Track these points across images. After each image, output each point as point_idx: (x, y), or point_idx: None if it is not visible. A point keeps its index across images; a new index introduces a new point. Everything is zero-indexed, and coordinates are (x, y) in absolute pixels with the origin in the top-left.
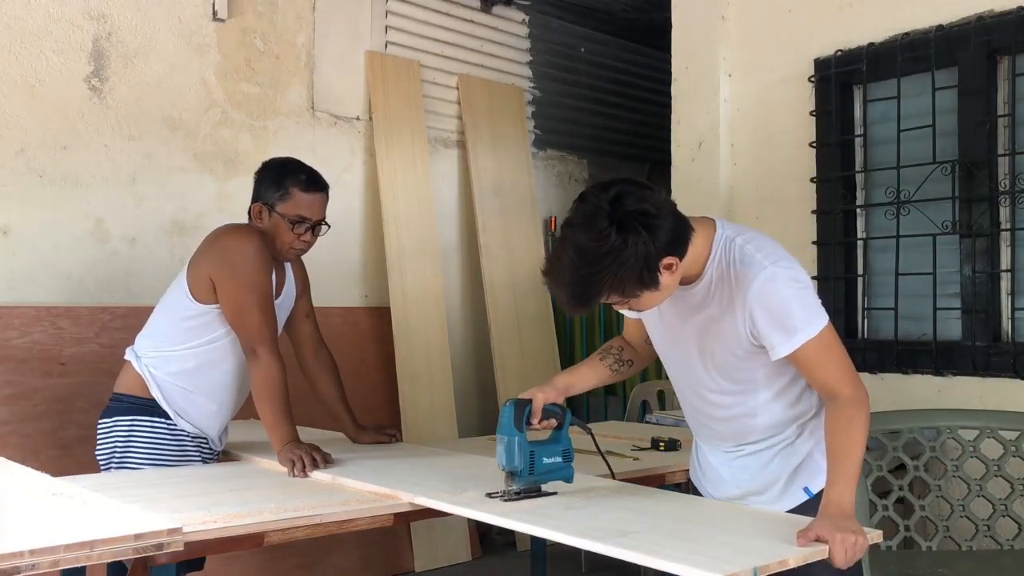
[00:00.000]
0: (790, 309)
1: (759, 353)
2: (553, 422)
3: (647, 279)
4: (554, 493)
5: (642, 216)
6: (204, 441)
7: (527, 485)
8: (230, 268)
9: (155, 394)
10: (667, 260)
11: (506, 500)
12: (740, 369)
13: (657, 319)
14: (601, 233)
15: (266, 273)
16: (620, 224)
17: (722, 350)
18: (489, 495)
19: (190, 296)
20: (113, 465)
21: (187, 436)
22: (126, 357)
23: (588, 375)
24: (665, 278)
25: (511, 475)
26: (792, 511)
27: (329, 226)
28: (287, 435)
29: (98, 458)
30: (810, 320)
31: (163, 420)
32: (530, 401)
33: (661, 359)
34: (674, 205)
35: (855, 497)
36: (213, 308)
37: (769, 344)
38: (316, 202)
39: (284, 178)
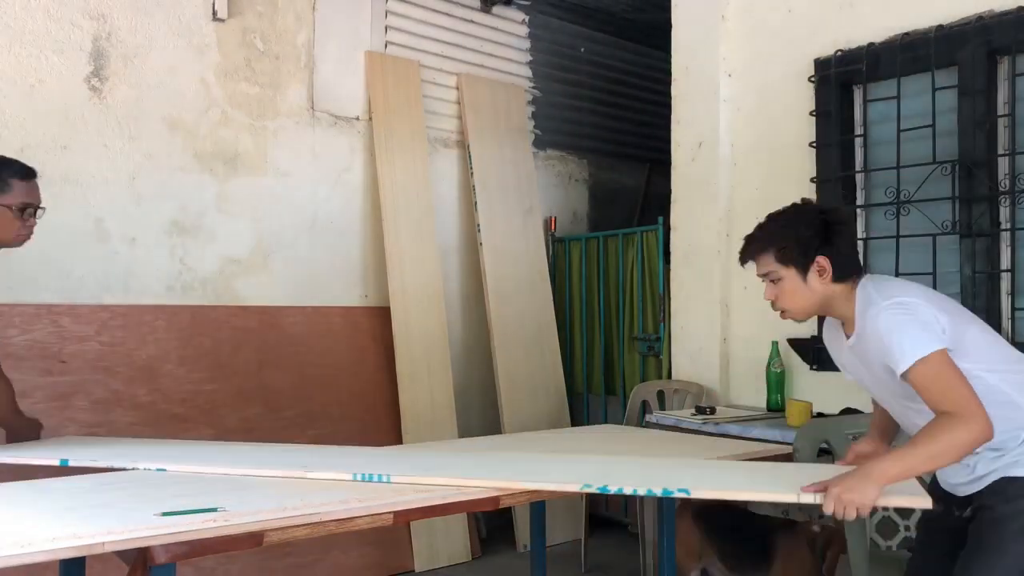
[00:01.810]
0: (891, 341)
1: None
2: None
3: (798, 256)
4: None
5: (832, 214)
6: None
7: None
8: None
9: None
10: (820, 259)
11: None
12: (900, 387)
13: (856, 367)
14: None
15: None
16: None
17: (881, 372)
18: None
19: None
20: None
21: None
22: None
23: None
24: (812, 276)
25: None
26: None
27: (44, 209)
28: None
29: None
30: (912, 350)
31: None
32: None
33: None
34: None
35: (895, 476)
36: None
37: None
38: (35, 188)
39: (0, 172)
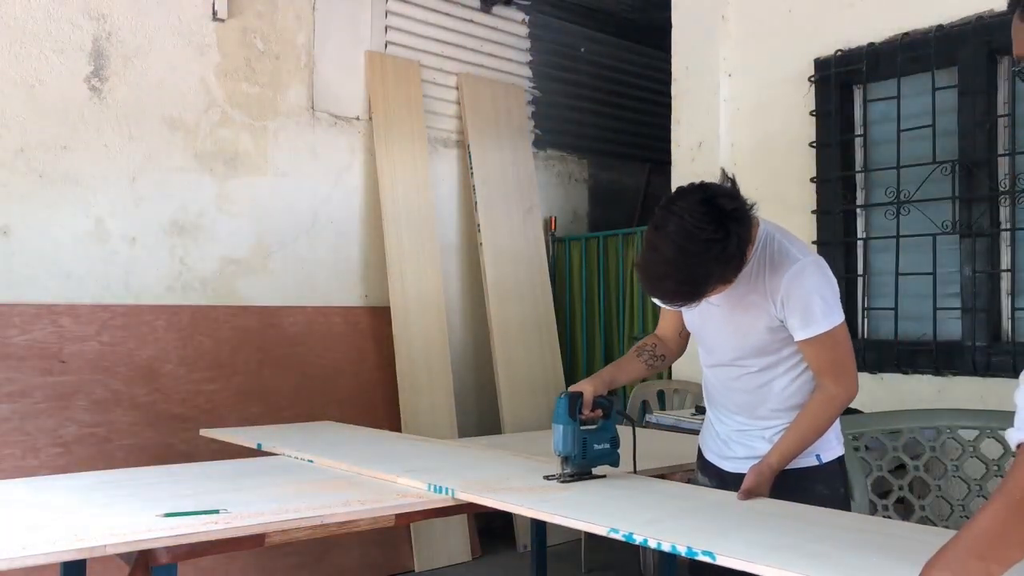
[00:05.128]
0: (811, 301)
1: (782, 329)
2: (600, 412)
3: (741, 265)
4: (603, 476)
5: (735, 212)
6: None
7: (579, 468)
8: None
9: None
10: (750, 248)
11: (562, 482)
12: (767, 342)
13: (707, 307)
14: (704, 232)
15: None
16: (720, 222)
17: (755, 323)
18: (546, 477)
19: None
20: None
21: None
22: None
23: (628, 370)
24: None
25: (565, 459)
26: (801, 468)
27: None
28: None
29: None
30: (827, 315)
31: None
32: (581, 394)
33: (695, 336)
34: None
35: (780, 466)
36: None
37: (790, 326)
38: None
39: None
